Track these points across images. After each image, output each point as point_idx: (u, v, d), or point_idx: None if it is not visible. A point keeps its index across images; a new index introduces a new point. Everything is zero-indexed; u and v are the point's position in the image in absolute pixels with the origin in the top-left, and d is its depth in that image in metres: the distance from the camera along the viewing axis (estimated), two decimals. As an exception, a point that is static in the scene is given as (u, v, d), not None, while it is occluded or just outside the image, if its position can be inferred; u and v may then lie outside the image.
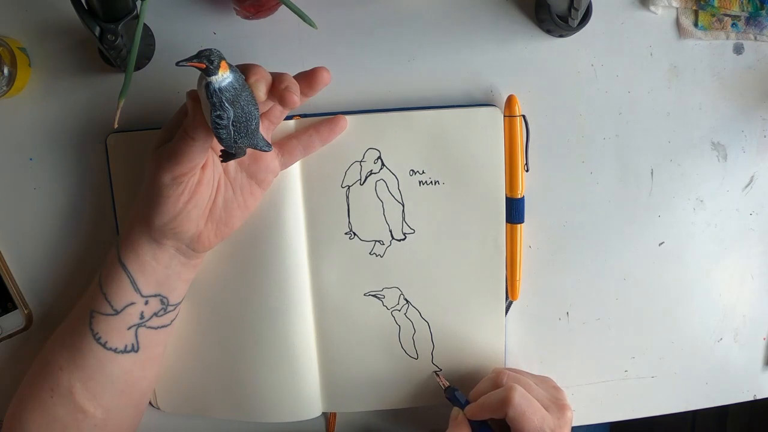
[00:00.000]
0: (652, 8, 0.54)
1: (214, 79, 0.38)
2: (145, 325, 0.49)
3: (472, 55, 0.54)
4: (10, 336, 0.55)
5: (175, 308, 0.50)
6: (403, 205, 0.54)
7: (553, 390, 0.52)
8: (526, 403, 0.47)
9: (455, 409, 0.52)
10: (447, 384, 0.54)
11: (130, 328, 0.48)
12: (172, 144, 0.43)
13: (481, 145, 0.53)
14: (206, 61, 0.37)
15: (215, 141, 0.42)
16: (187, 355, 0.55)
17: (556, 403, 0.49)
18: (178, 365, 0.55)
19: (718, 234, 0.58)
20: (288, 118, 0.53)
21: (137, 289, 0.48)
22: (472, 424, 0.50)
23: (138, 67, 0.53)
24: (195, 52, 0.38)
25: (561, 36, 0.54)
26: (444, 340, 0.56)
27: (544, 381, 0.53)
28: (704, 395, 0.60)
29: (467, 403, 0.51)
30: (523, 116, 0.54)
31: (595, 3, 0.52)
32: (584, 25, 0.52)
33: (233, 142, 0.40)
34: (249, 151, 0.45)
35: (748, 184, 0.58)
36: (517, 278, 0.56)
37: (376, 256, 0.55)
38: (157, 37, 0.53)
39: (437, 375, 0.55)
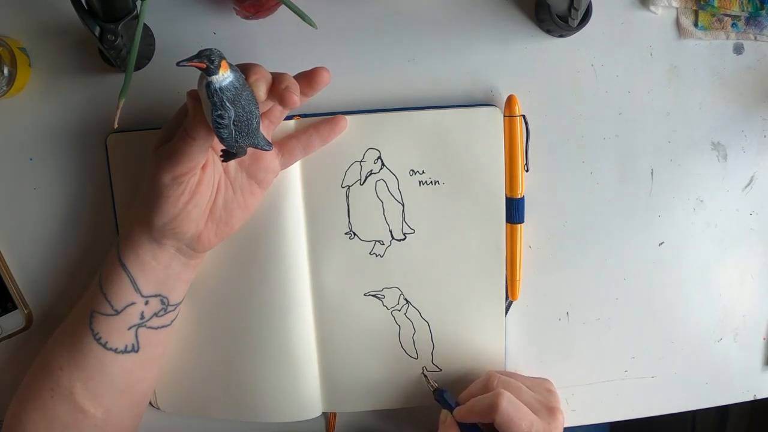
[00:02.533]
0: (652, 8, 0.55)
1: (214, 78, 0.38)
2: (145, 325, 0.49)
3: (472, 55, 0.54)
4: (10, 336, 0.55)
5: (175, 308, 0.50)
6: (403, 205, 0.54)
7: (547, 393, 0.52)
8: (513, 409, 0.46)
9: (444, 412, 0.51)
10: (435, 386, 0.54)
11: (130, 328, 0.48)
12: (173, 144, 0.43)
13: (481, 145, 0.53)
14: (207, 60, 0.37)
15: (215, 141, 0.42)
16: (187, 355, 0.55)
17: (546, 406, 0.49)
18: (178, 365, 0.55)
19: (718, 234, 0.58)
20: (288, 118, 0.53)
21: (137, 289, 0.48)
22: (462, 426, 0.49)
23: (138, 67, 0.53)
24: (195, 52, 0.38)
25: (561, 36, 0.54)
26: (444, 340, 0.56)
27: (540, 384, 0.53)
28: (704, 395, 0.60)
29: (456, 405, 0.51)
30: (523, 116, 0.54)
31: (595, 3, 0.52)
32: (584, 25, 0.52)
33: (234, 142, 0.40)
34: (249, 150, 0.45)
35: (748, 184, 0.58)
36: (517, 278, 0.56)
37: (376, 256, 0.55)
38: (157, 37, 0.53)
39: (425, 376, 0.55)
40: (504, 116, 0.53)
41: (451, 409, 0.51)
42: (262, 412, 0.55)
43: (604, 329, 0.58)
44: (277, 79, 0.42)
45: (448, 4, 0.54)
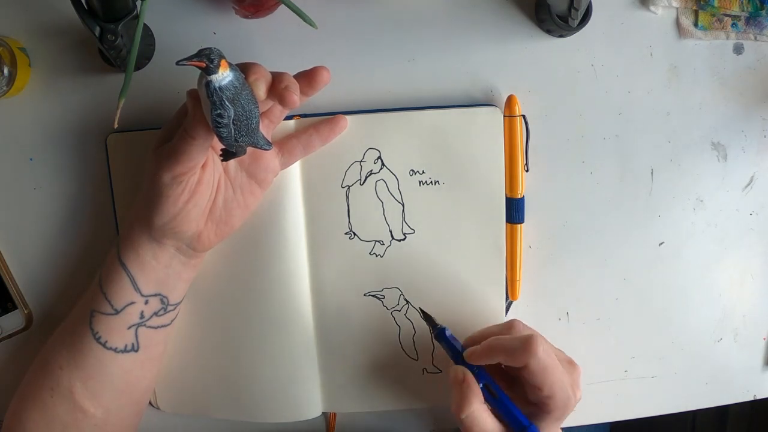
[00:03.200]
0: (652, 8, 0.55)
1: (214, 77, 0.38)
2: (145, 325, 0.49)
3: (472, 55, 0.54)
4: (10, 336, 0.55)
5: (175, 308, 0.50)
6: (403, 205, 0.54)
7: (557, 348, 0.50)
8: (548, 357, 0.44)
9: (459, 368, 0.46)
10: (438, 324, 0.50)
11: (130, 327, 0.48)
12: (173, 143, 0.43)
13: (481, 145, 0.53)
14: (206, 59, 0.37)
15: (215, 140, 0.42)
16: (187, 355, 0.55)
17: (565, 359, 0.48)
18: (178, 365, 0.55)
19: (718, 234, 0.58)
20: (288, 117, 0.53)
21: (137, 289, 0.48)
22: (471, 369, 0.46)
23: (138, 67, 0.53)
24: (195, 52, 0.38)
25: (561, 36, 0.54)
26: (444, 340, 0.56)
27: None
28: (704, 395, 0.60)
29: (462, 349, 0.48)
30: (523, 116, 0.54)
31: (595, 3, 0.52)
32: (584, 25, 0.52)
33: (234, 141, 0.40)
34: (249, 150, 0.45)
35: (748, 184, 0.58)
36: (517, 278, 0.56)
37: (376, 256, 0.55)
38: (157, 37, 0.53)
39: (423, 313, 0.51)
40: (504, 116, 0.53)
41: (455, 353, 0.48)
42: (262, 412, 0.55)
43: (604, 329, 0.58)
44: (276, 78, 0.42)
45: (448, 4, 0.54)
